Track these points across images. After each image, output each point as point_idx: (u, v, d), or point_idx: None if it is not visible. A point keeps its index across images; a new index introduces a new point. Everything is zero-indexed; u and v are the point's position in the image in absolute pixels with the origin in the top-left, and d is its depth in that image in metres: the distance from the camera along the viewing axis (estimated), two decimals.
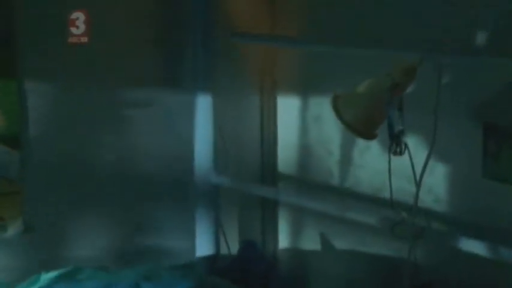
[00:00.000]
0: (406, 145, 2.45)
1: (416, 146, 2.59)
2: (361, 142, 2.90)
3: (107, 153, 3.02)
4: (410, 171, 2.50)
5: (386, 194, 2.66)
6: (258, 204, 3.36)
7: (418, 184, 2.50)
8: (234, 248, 3.22)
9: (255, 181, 3.32)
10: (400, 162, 2.50)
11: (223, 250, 3.21)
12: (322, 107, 3.07)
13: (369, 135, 2.45)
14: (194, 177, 3.13)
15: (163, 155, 3.10)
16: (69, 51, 2.86)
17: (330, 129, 3.11)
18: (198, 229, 3.15)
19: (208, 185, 3.14)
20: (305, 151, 3.25)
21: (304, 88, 3.23)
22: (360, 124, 2.42)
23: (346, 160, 3.08)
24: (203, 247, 3.17)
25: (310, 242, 3.25)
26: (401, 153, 2.45)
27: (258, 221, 3.38)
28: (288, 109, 3.30)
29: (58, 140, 2.92)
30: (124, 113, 3.05)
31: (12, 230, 2.85)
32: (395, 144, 2.43)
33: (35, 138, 2.87)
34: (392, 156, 2.46)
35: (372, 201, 2.92)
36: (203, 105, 3.11)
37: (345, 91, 2.51)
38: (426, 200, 2.71)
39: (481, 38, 2.46)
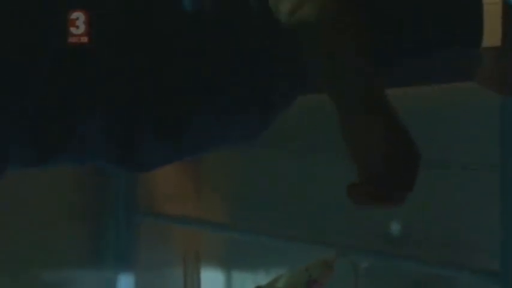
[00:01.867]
0: None
1: None
2: None
3: None
4: None
5: None
6: None
7: None
8: None
9: None
10: None
11: None
12: (245, 281, 3.05)
13: None
14: None
15: None
16: None
17: None
18: None
19: None
20: None
21: (228, 261, 3.21)
22: None
23: None
24: None
25: None
26: None
27: None
28: (211, 283, 3.27)
29: None
30: None
31: None
32: None
33: None
34: None
35: None
36: (125, 282, 3.07)
37: (268, 272, 2.50)
38: None
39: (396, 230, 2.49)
